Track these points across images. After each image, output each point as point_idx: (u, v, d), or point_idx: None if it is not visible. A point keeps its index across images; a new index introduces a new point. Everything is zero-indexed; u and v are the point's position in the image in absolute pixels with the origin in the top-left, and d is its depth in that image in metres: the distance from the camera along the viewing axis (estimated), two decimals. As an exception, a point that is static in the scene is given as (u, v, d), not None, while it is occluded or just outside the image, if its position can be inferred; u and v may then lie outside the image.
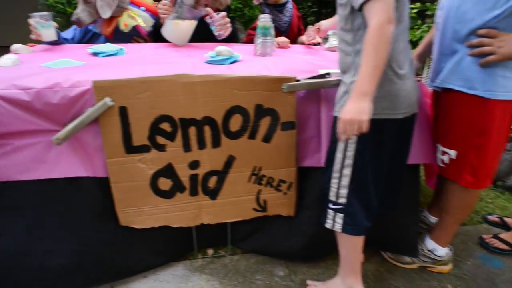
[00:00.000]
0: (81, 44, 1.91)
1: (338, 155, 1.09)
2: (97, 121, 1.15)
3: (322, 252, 1.50)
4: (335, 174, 1.11)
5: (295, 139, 1.32)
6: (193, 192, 1.30)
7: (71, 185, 1.19)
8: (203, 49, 1.76)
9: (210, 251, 1.53)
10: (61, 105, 1.13)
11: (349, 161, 1.07)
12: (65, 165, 1.17)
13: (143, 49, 1.74)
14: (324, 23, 1.84)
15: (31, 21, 1.61)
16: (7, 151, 1.14)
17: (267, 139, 1.29)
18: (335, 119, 1.12)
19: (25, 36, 1.73)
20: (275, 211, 1.41)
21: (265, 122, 1.27)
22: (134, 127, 1.17)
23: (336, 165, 1.10)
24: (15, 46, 1.57)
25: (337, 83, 1.26)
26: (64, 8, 3.52)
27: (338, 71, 1.38)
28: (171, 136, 1.21)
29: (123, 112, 1.15)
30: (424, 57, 1.59)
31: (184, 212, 1.31)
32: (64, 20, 3.69)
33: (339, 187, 1.11)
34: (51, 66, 1.35)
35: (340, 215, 1.14)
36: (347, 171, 1.08)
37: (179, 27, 1.77)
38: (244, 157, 1.29)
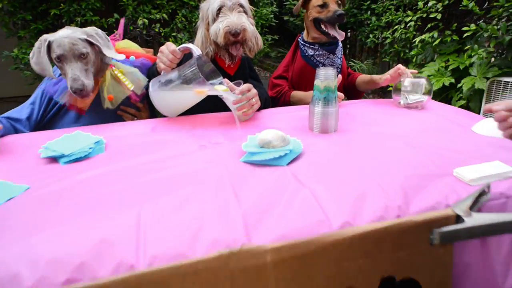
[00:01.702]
0: (37, 131, 1.26)
1: None
2: None
3: None
4: None
5: (447, 321, 0.67)
6: None
7: None
8: (227, 127, 1.13)
9: None
10: None
11: None
12: None
13: (134, 135, 1.10)
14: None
15: None
16: None
17: (400, 334, 0.64)
18: None
19: None
20: None
21: (398, 307, 0.63)
22: None
23: None
24: None
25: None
26: (34, 59, 2.91)
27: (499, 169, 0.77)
28: None
29: None
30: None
31: None
32: (33, 74, 3.07)
33: None
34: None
35: None
36: None
37: (184, 97, 1.15)
38: None
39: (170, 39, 3.11)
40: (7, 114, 1.25)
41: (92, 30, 1.21)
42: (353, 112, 1.28)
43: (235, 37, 1.20)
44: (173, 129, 1.13)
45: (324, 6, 1.50)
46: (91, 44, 1.18)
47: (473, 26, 2.28)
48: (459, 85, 2.47)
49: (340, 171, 0.80)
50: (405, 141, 0.97)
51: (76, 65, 1.15)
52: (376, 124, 1.15)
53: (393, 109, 1.33)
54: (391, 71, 1.33)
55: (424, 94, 1.30)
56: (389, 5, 3.29)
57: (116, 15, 2.96)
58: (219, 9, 1.21)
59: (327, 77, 1.03)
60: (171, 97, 1.15)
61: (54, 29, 3.07)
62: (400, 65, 1.32)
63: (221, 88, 1.12)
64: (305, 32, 1.61)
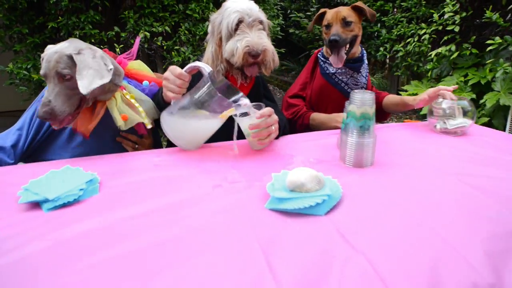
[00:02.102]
0: (24, 160, 1.10)
1: None
2: None
3: None
4: None
5: None
6: None
7: None
8: (243, 160, 0.96)
9: None
10: None
11: None
12: None
13: (135, 171, 0.93)
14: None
15: None
16: None
17: None
18: None
19: None
20: None
21: None
22: None
23: None
24: None
25: None
26: (30, 74, 2.76)
27: None
28: None
29: None
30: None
31: None
32: (30, 89, 2.93)
33: None
34: None
35: None
36: None
37: (205, 124, 0.99)
38: None
39: (172, 52, 2.97)
40: None
41: (88, 48, 1.02)
42: (385, 139, 1.11)
43: (254, 58, 1.05)
44: (180, 162, 0.96)
45: (328, 27, 1.36)
46: None
47: (498, 39, 2.14)
48: (481, 101, 2.32)
49: (397, 226, 0.63)
50: (463, 179, 0.80)
51: (54, 87, 0.96)
52: (417, 154, 0.99)
53: (430, 135, 1.16)
54: (429, 92, 1.17)
55: (466, 118, 1.14)
56: (401, 17, 3.16)
57: (116, 28, 2.83)
58: (237, 25, 1.05)
59: (364, 102, 0.87)
60: (191, 127, 0.98)
61: (51, 43, 2.93)
62: (441, 86, 1.16)
63: (244, 109, 0.97)
64: (324, 48, 1.46)
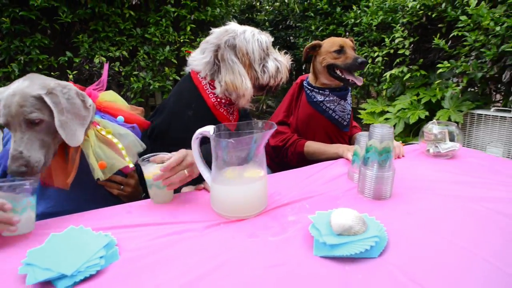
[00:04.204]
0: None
1: None
2: None
3: None
4: None
5: None
6: None
7: None
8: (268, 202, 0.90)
9: None
10: None
11: None
12: None
13: (151, 226, 0.82)
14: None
15: None
16: None
17: None
18: None
19: None
20: None
21: None
22: None
23: None
24: None
25: None
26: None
27: None
28: None
29: None
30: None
31: None
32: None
33: None
34: None
35: None
36: None
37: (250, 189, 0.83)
38: None
39: (131, 78, 2.81)
40: None
41: (58, 86, 0.86)
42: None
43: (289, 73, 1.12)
44: (195, 212, 0.87)
45: (341, 51, 1.38)
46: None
47: (446, 63, 2.37)
48: (435, 118, 2.53)
49: (446, 254, 0.63)
50: (493, 207, 0.84)
51: (21, 135, 0.81)
52: (423, 180, 1.03)
53: (426, 159, 1.22)
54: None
55: (455, 141, 1.22)
56: (353, 41, 3.38)
57: (68, 53, 2.61)
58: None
59: (384, 136, 0.88)
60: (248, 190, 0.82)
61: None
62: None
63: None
64: (311, 76, 1.48)
